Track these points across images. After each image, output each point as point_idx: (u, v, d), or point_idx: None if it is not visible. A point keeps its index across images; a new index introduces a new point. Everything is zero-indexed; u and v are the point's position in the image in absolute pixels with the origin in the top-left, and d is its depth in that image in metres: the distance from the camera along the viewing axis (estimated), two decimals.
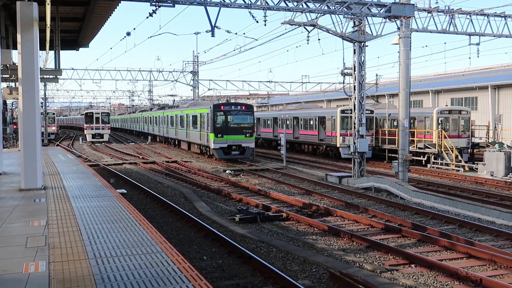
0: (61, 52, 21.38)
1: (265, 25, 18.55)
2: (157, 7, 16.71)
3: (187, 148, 37.04)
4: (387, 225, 12.90)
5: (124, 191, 16.81)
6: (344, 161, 29.46)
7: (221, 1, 17.31)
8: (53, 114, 61.58)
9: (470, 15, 22.21)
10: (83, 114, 60.58)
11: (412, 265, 9.74)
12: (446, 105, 35.55)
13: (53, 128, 58.70)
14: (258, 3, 17.74)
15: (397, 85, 21.32)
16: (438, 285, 8.68)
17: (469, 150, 29.24)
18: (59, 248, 6.77)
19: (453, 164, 26.17)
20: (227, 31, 24.25)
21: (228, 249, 10.43)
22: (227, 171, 25.31)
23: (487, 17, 22.41)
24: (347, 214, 14.39)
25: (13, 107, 51.57)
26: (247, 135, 29.73)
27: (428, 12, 21.50)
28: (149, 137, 52.87)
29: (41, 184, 12.50)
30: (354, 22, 20.40)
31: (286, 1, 18.15)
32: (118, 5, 17.27)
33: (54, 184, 13.37)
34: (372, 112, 31.72)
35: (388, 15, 19.65)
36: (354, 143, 21.33)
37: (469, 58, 26.13)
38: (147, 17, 17.32)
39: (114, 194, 11.63)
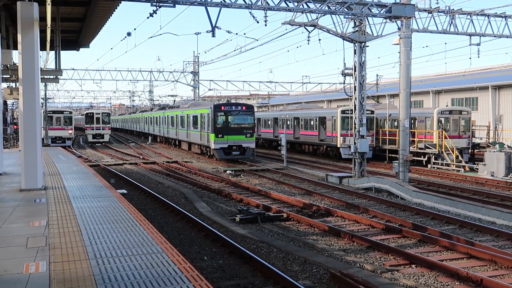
0: (62, 52, 21.38)
1: (265, 25, 18.55)
2: (157, 7, 16.71)
3: (188, 149, 37.04)
4: (388, 225, 12.90)
5: (125, 191, 16.81)
6: (345, 162, 29.45)
7: (221, 1, 17.31)
8: (70, 113, 45.51)
9: (470, 16, 22.21)
10: (83, 115, 57.79)
11: (413, 266, 9.74)
12: (447, 106, 35.56)
13: (70, 131, 44.10)
14: (259, 3, 17.74)
15: (398, 86, 21.32)
16: (439, 285, 8.67)
17: (470, 150, 29.23)
18: (60, 249, 6.77)
19: (453, 164, 26.17)
20: (228, 31, 24.27)
21: (229, 250, 10.43)
22: (227, 172, 25.31)
23: (488, 18, 22.41)
24: (347, 215, 14.39)
25: (14, 108, 51.50)
26: (247, 135, 29.73)
27: (428, 13, 21.50)
28: (150, 138, 52.87)
29: (42, 184, 12.50)
30: (355, 23, 20.40)
31: (286, 2, 18.15)
32: (118, 5, 17.28)
33: (54, 184, 13.36)
34: (372, 112, 31.74)
35: (388, 15, 19.65)
36: (355, 143, 21.33)
37: (470, 58, 26.10)
38: (148, 17, 17.33)
39: (115, 195, 11.62)
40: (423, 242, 11.50)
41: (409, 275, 9.18)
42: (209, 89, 50.50)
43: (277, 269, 8.75)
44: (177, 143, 41.16)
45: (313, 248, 10.95)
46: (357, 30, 20.35)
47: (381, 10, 19.68)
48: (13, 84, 22.49)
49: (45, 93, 45.71)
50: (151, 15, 17.04)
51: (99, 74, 48.35)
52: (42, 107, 41.48)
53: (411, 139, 24.65)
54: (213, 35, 18.03)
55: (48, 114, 43.15)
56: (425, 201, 16.52)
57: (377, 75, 42.74)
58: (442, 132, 27.33)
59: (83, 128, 54.13)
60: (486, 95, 41.04)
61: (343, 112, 30.71)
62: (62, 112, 45.03)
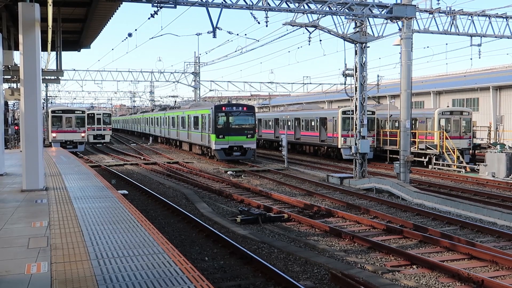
0: (63, 53, 21.40)
1: (266, 26, 18.55)
2: (158, 8, 16.74)
3: (189, 149, 37.06)
4: (389, 226, 12.89)
5: (126, 192, 16.81)
6: (346, 162, 29.45)
7: (222, 2, 17.33)
8: (83, 113, 38.19)
9: (471, 16, 22.20)
10: None
11: (414, 266, 9.73)
12: (448, 106, 35.52)
13: (82, 134, 37.24)
14: (260, 4, 17.75)
15: (399, 86, 21.31)
16: (440, 286, 8.67)
17: (471, 151, 29.21)
18: (61, 249, 6.77)
19: (454, 165, 26.15)
20: (229, 32, 24.19)
21: (230, 250, 10.44)
22: (228, 172, 25.31)
23: (489, 18, 22.40)
24: (348, 215, 14.39)
25: (15, 108, 51.50)
26: (248, 136, 29.75)
27: (429, 13, 21.49)
28: (151, 138, 52.89)
29: (43, 185, 12.50)
30: (356, 23, 20.41)
31: (287, 2, 18.16)
32: (119, 6, 17.28)
33: (55, 185, 13.37)
34: (373, 113, 31.73)
35: (389, 16, 19.65)
36: (356, 144, 21.33)
37: (471, 59, 26.10)
38: (149, 18, 17.37)
39: (116, 195, 11.62)
40: (424, 243, 11.49)
41: (410, 275, 9.18)
42: (210, 90, 50.53)
43: (278, 270, 8.75)
44: (178, 143, 41.17)
45: (314, 248, 10.95)
46: (358, 31, 20.35)
47: (382, 11, 19.68)
48: (14, 85, 22.53)
49: (46, 94, 45.69)
50: (152, 15, 17.08)
51: (100, 75, 48.36)
52: (43, 108, 40.75)
53: (412, 139, 24.64)
54: (214, 36, 18.04)
55: (56, 114, 37.22)
56: (426, 201, 16.51)
57: (378, 76, 42.76)
58: (443, 132, 27.31)
59: None
60: (487, 95, 41.01)
61: (344, 112, 30.70)
62: (73, 111, 38.16)
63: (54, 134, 36.63)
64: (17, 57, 16.63)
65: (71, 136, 36.78)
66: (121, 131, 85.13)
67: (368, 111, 24.54)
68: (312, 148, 35.59)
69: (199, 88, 49.34)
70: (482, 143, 32.93)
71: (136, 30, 45.39)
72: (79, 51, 27.30)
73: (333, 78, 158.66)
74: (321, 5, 18.60)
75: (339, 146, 30.70)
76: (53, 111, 37.84)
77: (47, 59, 22.46)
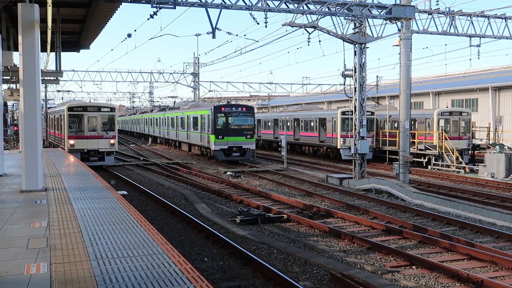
0: (62, 53, 21.41)
1: (266, 26, 18.54)
2: (158, 9, 16.74)
3: (188, 150, 37.05)
4: (388, 226, 12.90)
5: (125, 192, 16.82)
6: (345, 163, 29.47)
7: (222, 3, 17.33)
8: (112, 110, 27.52)
9: (470, 17, 22.23)
10: None
11: (413, 267, 9.74)
12: (447, 107, 35.55)
13: (112, 141, 26.85)
14: (259, 4, 17.75)
15: (398, 87, 21.32)
16: (439, 286, 8.68)
17: (470, 151, 29.24)
18: (61, 250, 6.77)
19: (453, 165, 26.17)
20: (228, 33, 24.20)
21: (229, 251, 10.44)
22: (227, 173, 25.30)
23: (488, 19, 22.43)
24: (348, 216, 14.39)
25: (14, 109, 51.48)
26: (247, 137, 29.76)
27: (428, 14, 21.52)
28: (150, 139, 52.86)
29: (42, 185, 12.49)
30: (355, 24, 20.42)
31: (287, 3, 18.16)
32: (119, 7, 17.28)
33: (55, 185, 13.36)
34: (372, 113, 31.75)
35: (388, 16, 19.66)
36: (355, 144, 21.34)
37: (470, 59, 26.39)
38: (148, 19, 17.38)
39: (115, 196, 11.61)
40: (423, 243, 11.50)
41: (410, 276, 9.18)
42: (209, 90, 50.57)
43: (277, 270, 8.76)
44: (177, 144, 41.17)
45: (314, 249, 10.96)
46: (357, 32, 20.37)
47: (381, 11, 19.69)
48: (13, 86, 22.53)
49: (46, 94, 45.60)
50: (151, 16, 17.08)
51: (99, 75, 48.36)
52: (42, 108, 40.44)
53: (411, 140, 24.66)
54: (214, 37, 18.04)
55: (75, 112, 26.76)
56: (426, 202, 16.52)
57: (377, 76, 42.71)
58: (442, 133, 27.33)
59: None
60: (486, 96, 41.04)
61: (343, 113, 30.73)
62: (99, 108, 27.20)
63: (72, 141, 26.32)
64: (17, 58, 16.63)
65: (96, 144, 26.50)
66: (120, 132, 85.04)
67: (367, 111, 24.53)
68: (311, 149, 35.60)
69: (198, 89, 49.39)
70: (481, 143, 32.96)
71: (135, 30, 45.61)
72: (79, 51, 27.29)
73: (333, 79, 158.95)
74: (320, 5, 18.61)
75: (339, 147, 30.72)
76: (70, 108, 26.92)
77: (47, 60, 22.47)
